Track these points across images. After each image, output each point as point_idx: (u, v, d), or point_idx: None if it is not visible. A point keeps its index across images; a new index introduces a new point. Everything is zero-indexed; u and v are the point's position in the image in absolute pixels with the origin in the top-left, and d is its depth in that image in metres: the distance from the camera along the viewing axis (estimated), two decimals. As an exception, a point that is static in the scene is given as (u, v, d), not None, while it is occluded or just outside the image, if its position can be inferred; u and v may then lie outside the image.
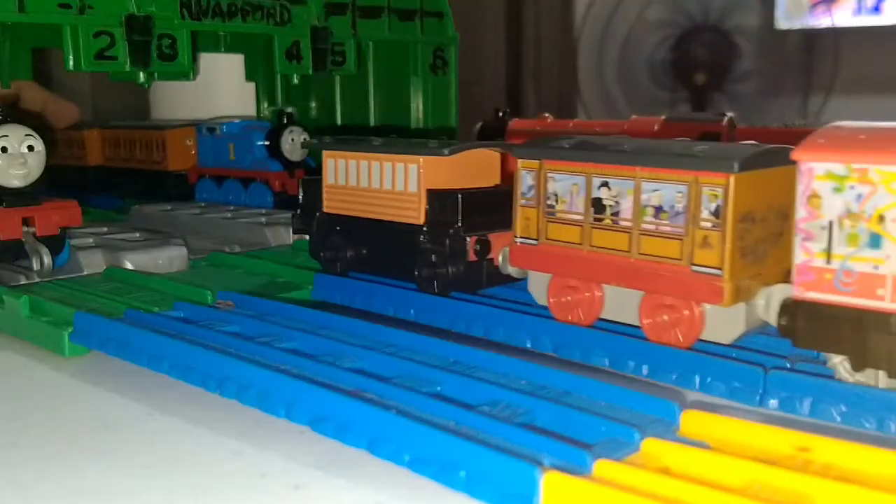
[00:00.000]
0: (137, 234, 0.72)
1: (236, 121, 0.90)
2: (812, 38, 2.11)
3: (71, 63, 0.65)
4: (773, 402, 0.39)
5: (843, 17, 2.05)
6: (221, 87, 1.05)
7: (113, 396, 0.44)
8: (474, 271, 0.52)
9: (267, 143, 0.85)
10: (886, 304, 0.35)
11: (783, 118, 1.15)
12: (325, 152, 0.59)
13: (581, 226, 0.46)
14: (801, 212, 0.37)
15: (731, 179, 0.40)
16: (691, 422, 0.34)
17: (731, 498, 0.28)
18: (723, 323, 0.42)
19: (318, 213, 0.59)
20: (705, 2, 2.18)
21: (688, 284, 0.42)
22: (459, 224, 0.52)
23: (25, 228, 0.60)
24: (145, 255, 0.64)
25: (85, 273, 0.62)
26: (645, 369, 0.43)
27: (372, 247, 0.57)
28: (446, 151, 0.53)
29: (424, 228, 0.53)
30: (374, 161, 0.55)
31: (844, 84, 2.06)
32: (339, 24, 0.80)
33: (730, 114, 0.87)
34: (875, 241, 0.35)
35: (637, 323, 0.45)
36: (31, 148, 0.59)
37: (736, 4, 2.16)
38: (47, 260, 0.60)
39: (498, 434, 0.33)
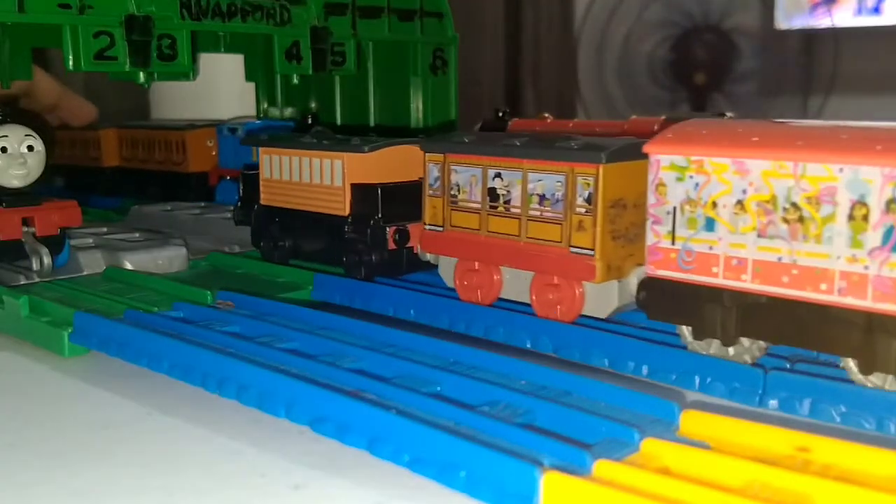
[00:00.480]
0: (137, 235, 0.72)
1: (257, 121, 0.88)
2: (812, 39, 2.10)
3: (71, 63, 0.65)
4: (773, 403, 0.39)
5: (842, 17, 2.05)
6: (221, 88, 1.06)
7: (112, 396, 0.44)
8: (395, 258, 0.57)
9: None
10: (719, 280, 0.40)
11: (783, 118, 1.15)
12: (261, 149, 0.63)
13: (479, 213, 0.51)
14: (651, 198, 0.42)
15: (601, 169, 0.45)
16: (691, 422, 0.34)
17: (731, 498, 0.28)
18: (599, 299, 0.47)
19: (256, 206, 0.64)
20: (705, 2, 2.18)
21: (567, 264, 0.47)
22: (379, 215, 0.56)
23: (25, 228, 0.60)
24: (145, 256, 0.64)
25: (85, 273, 0.62)
26: (645, 369, 0.43)
27: (305, 236, 0.62)
28: (367, 148, 0.57)
29: (349, 219, 0.58)
30: (304, 157, 0.60)
31: (844, 84, 2.06)
32: (338, 25, 0.80)
33: (730, 114, 0.87)
34: (710, 224, 0.40)
35: (529, 302, 0.50)
36: (30, 148, 0.60)
37: (736, 5, 2.16)
38: (47, 260, 0.60)
39: (498, 434, 0.33)
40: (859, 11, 2.01)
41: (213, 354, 0.42)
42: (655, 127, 0.83)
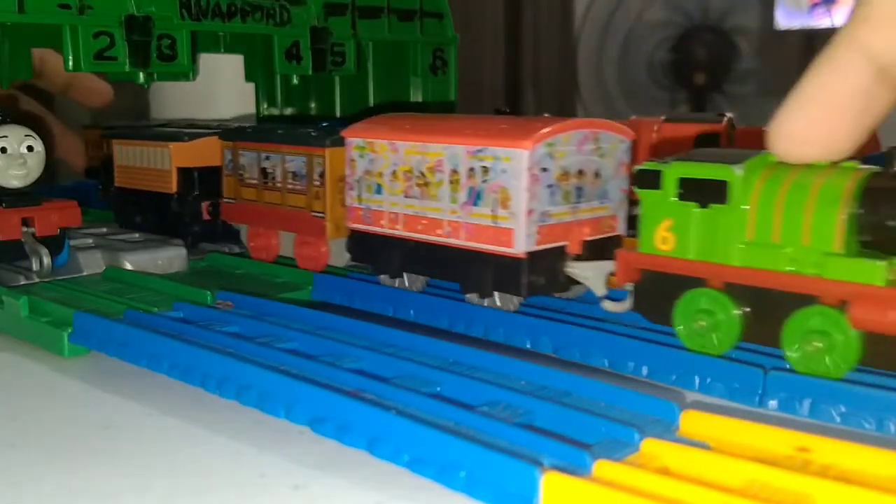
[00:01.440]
0: (137, 235, 0.72)
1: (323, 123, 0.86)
2: (812, 39, 2.10)
3: (71, 63, 0.65)
4: (773, 403, 0.39)
5: (842, 17, 2.04)
6: (221, 88, 1.05)
7: (112, 397, 0.44)
8: (210, 228, 0.71)
9: None
10: (386, 230, 0.54)
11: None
12: (114, 140, 0.78)
13: (257, 188, 0.65)
14: (347, 171, 0.56)
15: (327, 153, 0.59)
16: (691, 422, 0.34)
17: (731, 498, 0.28)
18: (338, 253, 0.60)
19: (112, 187, 0.78)
20: (705, 2, 2.18)
21: (311, 226, 0.61)
22: (196, 193, 0.70)
23: (25, 229, 0.60)
24: (145, 256, 0.64)
25: (84, 273, 0.62)
26: (644, 370, 0.43)
27: (148, 211, 0.74)
28: (187, 138, 0.71)
29: (175, 197, 0.71)
30: (143, 147, 0.74)
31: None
32: (338, 25, 0.80)
33: (729, 114, 0.87)
34: (378, 189, 0.54)
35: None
36: (30, 148, 0.60)
37: (735, 5, 2.16)
38: (47, 260, 0.60)
39: (498, 434, 0.33)
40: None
41: (212, 355, 0.42)
42: (655, 127, 0.83)
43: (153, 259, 0.64)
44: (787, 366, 0.40)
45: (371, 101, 0.93)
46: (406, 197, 0.53)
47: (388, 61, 0.91)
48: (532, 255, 0.48)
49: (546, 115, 0.95)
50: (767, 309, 0.41)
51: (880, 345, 0.38)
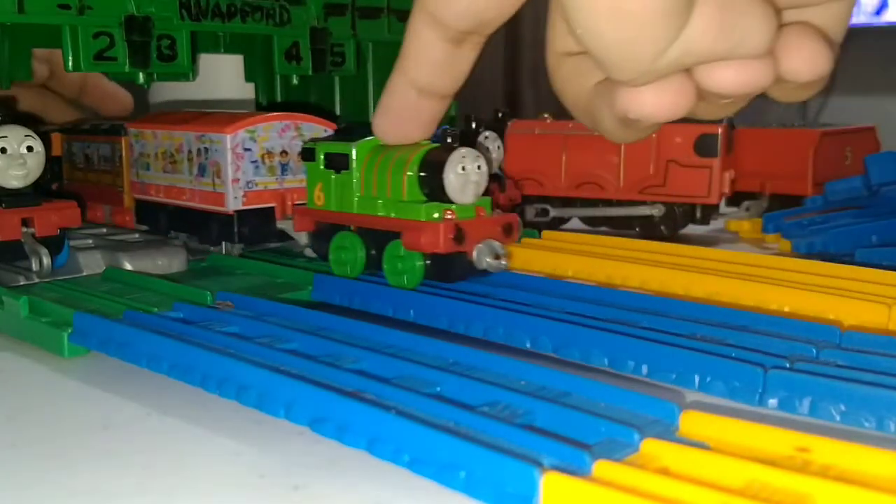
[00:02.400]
0: (137, 235, 0.72)
1: None
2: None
3: (70, 64, 0.65)
4: (773, 402, 0.39)
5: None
6: (221, 88, 1.05)
7: (112, 397, 0.44)
8: None
9: None
10: (154, 198, 0.71)
11: (782, 118, 1.15)
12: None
13: (84, 170, 0.80)
14: (129, 154, 0.74)
15: (123, 140, 0.74)
16: (691, 422, 0.34)
17: (731, 498, 0.28)
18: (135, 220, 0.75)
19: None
20: (704, 2, 2.17)
21: (117, 197, 0.76)
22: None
23: (25, 229, 0.60)
24: (144, 256, 0.64)
25: (84, 274, 0.62)
26: (644, 369, 0.43)
27: None
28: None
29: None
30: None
31: (843, 85, 2.06)
32: (338, 25, 0.80)
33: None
34: (147, 167, 0.71)
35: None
36: (30, 149, 0.60)
37: (735, 5, 2.16)
38: (46, 261, 0.60)
39: (497, 435, 0.33)
40: (859, 16, 2.01)
41: (212, 355, 0.42)
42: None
43: (153, 259, 0.64)
44: (787, 365, 0.41)
45: (371, 102, 0.93)
46: (164, 172, 0.70)
47: (387, 61, 0.91)
48: (240, 213, 0.65)
49: (545, 115, 0.95)
50: (376, 243, 0.58)
51: (435, 264, 0.55)
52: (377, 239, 0.57)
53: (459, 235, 0.53)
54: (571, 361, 0.46)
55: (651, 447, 0.32)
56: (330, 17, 0.80)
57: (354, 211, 0.58)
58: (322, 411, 0.36)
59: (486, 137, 0.74)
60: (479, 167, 0.55)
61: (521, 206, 0.82)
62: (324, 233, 0.60)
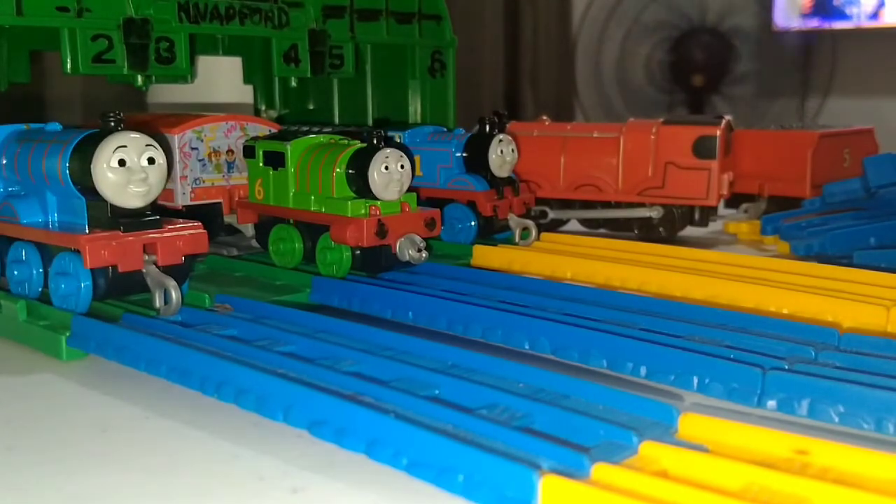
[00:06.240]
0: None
1: (427, 127, 0.79)
2: (809, 40, 2.11)
3: (69, 66, 0.65)
4: (772, 403, 0.39)
5: (841, 19, 2.05)
6: (220, 90, 1.05)
7: (110, 400, 0.44)
8: None
9: (466, 154, 0.72)
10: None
11: (780, 120, 1.15)
12: None
13: None
14: None
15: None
16: (689, 425, 0.34)
17: (730, 501, 0.28)
18: None
19: None
20: (703, 4, 2.18)
21: None
22: None
23: (146, 257, 0.51)
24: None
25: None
26: (643, 370, 0.43)
27: None
28: None
29: None
30: None
31: (842, 86, 2.07)
32: (337, 27, 0.80)
33: (727, 116, 0.87)
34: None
35: None
36: (151, 161, 0.50)
37: (733, 7, 2.16)
38: (176, 294, 0.50)
39: (496, 437, 0.33)
40: (858, 17, 2.01)
41: (211, 358, 0.42)
42: (654, 129, 0.84)
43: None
44: (785, 366, 0.41)
45: (369, 104, 0.93)
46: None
47: (386, 64, 0.91)
48: (189, 209, 0.67)
49: (544, 117, 0.95)
50: (310, 235, 0.62)
51: (362, 255, 0.60)
52: (312, 232, 0.62)
53: (382, 230, 0.58)
54: (570, 363, 0.46)
55: (650, 450, 0.32)
56: (328, 19, 0.80)
57: (291, 205, 0.62)
58: (320, 414, 0.36)
59: (501, 141, 0.71)
60: (402, 166, 0.59)
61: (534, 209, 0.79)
62: (265, 225, 0.65)
